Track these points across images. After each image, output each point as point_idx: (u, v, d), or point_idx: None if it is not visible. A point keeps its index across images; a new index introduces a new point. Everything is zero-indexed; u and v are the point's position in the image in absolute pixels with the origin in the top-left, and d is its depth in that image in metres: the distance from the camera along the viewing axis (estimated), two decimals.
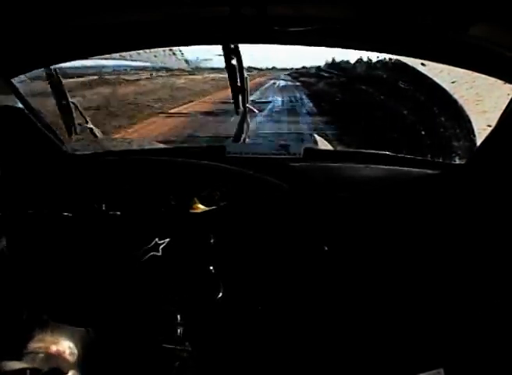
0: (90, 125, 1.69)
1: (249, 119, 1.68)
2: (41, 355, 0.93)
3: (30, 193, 1.28)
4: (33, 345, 0.95)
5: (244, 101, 1.62)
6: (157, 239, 1.21)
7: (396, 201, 1.30)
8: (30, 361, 0.90)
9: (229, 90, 1.58)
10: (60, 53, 1.17)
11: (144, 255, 1.19)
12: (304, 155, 1.36)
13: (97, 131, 1.72)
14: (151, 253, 1.20)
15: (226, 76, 1.52)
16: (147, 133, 4.94)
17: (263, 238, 1.28)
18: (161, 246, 1.21)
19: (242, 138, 1.67)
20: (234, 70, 1.48)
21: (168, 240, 1.21)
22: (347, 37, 1.09)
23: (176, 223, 1.28)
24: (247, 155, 1.37)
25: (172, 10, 0.98)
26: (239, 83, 1.53)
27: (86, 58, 1.32)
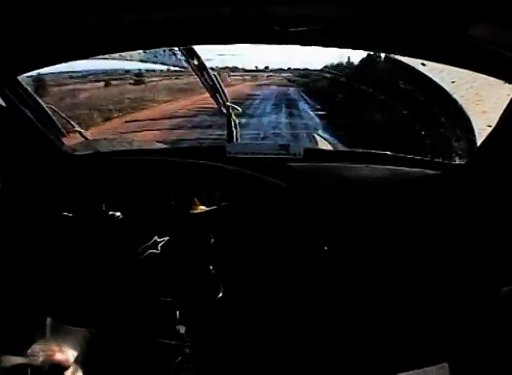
0: (77, 128, 1.65)
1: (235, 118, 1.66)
2: (42, 352, 0.94)
3: (30, 193, 1.28)
4: (35, 343, 0.95)
5: (224, 100, 1.60)
6: (156, 237, 1.20)
7: (396, 201, 1.30)
8: (31, 358, 0.91)
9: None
10: (60, 53, 1.17)
11: (142, 253, 1.19)
12: (304, 155, 1.36)
13: (85, 134, 1.69)
14: (150, 251, 1.19)
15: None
16: None
17: (263, 238, 1.28)
18: (161, 244, 1.20)
19: (235, 137, 1.65)
20: (203, 70, 1.47)
21: (167, 238, 1.20)
22: (347, 37, 1.09)
23: (176, 223, 1.28)
24: (247, 155, 1.37)
25: (172, 10, 0.98)
26: (210, 83, 1.52)
27: (86, 58, 1.32)
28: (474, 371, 1.05)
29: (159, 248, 1.20)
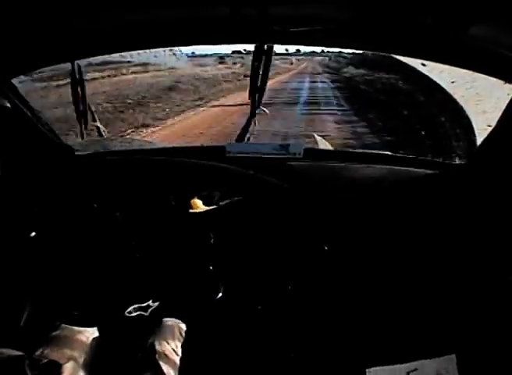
0: (97, 123, 1.64)
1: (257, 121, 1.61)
2: (41, 349, 0.94)
3: (31, 193, 1.28)
4: (36, 343, 0.96)
5: (259, 103, 1.50)
6: (150, 301, 1.20)
7: (396, 201, 1.30)
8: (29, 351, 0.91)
9: None
10: (60, 53, 1.17)
11: (132, 312, 1.19)
12: (304, 155, 1.36)
13: (102, 130, 1.68)
14: (139, 312, 1.19)
15: None
16: None
17: (263, 238, 1.28)
18: (151, 309, 1.20)
19: (246, 138, 1.62)
20: (258, 70, 1.41)
21: (158, 303, 1.20)
22: (347, 37, 1.09)
23: (176, 223, 1.28)
24: (247, 154, 1.37)
25: (172, 10, 0.98)
26: (259, 84, 1.42)
27: (86, 58, 1.32)
28: (481, 362, 1.06)
29: (149, 311, 1.19)
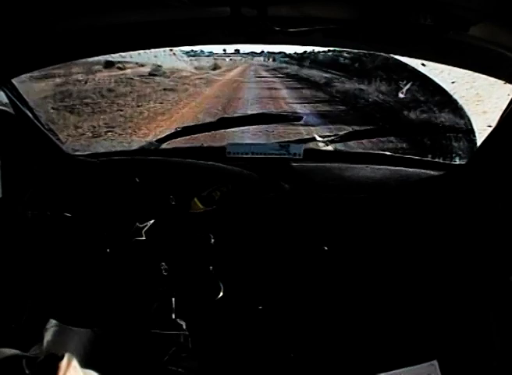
0: None
1: None
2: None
3: (30, 193, 1.28)
4: (35, 345, 0.95)
5: None
6: (137, 223, 1.17)
7: (396, 202, 1.30)
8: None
9: None
10: (60, 53, 1.17)
11: (128, 241, 1.16)
12: (304, 156, 1.36)
13: None
14: (135, 238, 1.17)
15: None
16: None
17: (263, 238, 1.28)
18: (144, 230, 1.17)
19: None
20: None
21: (150, 222, 1.17)
22: (347, 37, 1.09)
23: (176, 223, 1.28)
24: (247, 155, 1.37)
25: (172, 10, 0.98)
26: None
27: (86, 58, 1.32)
28: (463, 368, 1.05)
29: (143, 233, 1.17)
